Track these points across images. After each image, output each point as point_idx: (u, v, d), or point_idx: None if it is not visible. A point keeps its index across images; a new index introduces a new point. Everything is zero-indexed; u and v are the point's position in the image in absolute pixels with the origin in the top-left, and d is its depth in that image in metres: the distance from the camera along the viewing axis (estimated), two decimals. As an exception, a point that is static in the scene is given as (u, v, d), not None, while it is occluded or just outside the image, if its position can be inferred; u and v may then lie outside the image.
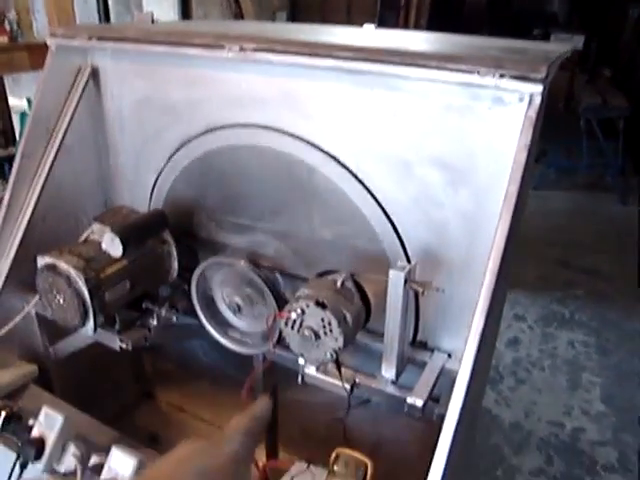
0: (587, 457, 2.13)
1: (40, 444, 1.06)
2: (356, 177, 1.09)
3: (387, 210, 1.08)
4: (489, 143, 0.96)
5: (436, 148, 1.01)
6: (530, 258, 3.16)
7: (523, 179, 0.88)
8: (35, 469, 1.07)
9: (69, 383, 1.44)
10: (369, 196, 1.09)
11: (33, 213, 1.27)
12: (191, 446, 0.52)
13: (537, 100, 0.87)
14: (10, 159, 1.43)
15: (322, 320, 0.94)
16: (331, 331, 0.94)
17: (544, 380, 2.53)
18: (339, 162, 1.10)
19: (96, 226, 1.22)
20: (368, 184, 1.08)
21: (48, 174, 1.28)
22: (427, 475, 0.83)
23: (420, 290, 0.95)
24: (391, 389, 1.02)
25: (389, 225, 1.08)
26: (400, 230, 1.08)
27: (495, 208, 0.92)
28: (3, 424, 1.14)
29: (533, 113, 0.87)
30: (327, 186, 1.12)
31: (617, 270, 3.50)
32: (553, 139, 4.62)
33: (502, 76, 0.86)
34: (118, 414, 1.49)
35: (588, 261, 3.57)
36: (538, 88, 0.86)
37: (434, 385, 1.03)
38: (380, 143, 1.06)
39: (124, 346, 1.19)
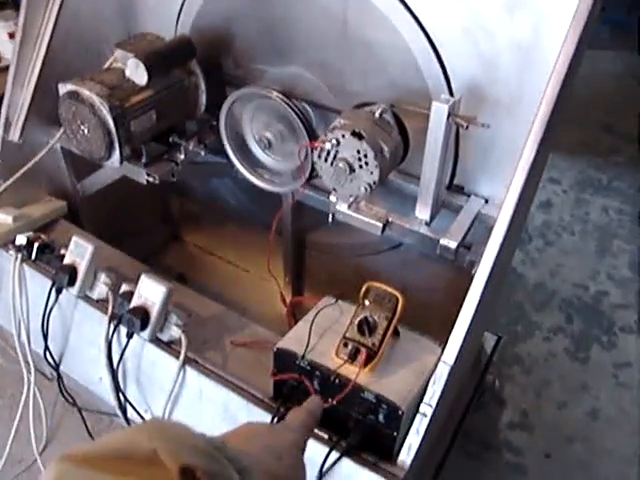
0: (606, 318, 2.15)
1: (72, 271, 1.08)
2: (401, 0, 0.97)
3: (434, 40, 0.98)
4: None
5: (495, -36, 0.88)
6: (572, 121, 2.97)
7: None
8: (70, 295, 1.10)
9: (98, 222, 1.45)
10: (414, 22, 0.98)
11: (50, 41, 1.19)
12: (256, 425, 0.53)
13: None
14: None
15: (358, 152, 0.89)
16: (367, 164, 0.89)
17: (573, 244, 2.49)
18: (382, -19, 0.98)
19: (119, 53, 1.15)
20: (414, 8, 0.97)
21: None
22: (455, 321, 0.82)
23: (464, 124, 0.87)
24: (425, 230, 0.99)
25: (434, 57, 0.99)
26: (446, 63, 0.99)
27: (555, 39, 0.83)
28: (37, 254, 1.16)
29: None
30: (367, 10, 1.01)
31: (663, 139, 3.32)
32: (613, -10, 4.19)
33: None
34: (146, 255, 1.51)
35: (633, 128, 3.37)
36: None
37: (469, 229, 1.00)
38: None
39: (151, 180, 1.16)
